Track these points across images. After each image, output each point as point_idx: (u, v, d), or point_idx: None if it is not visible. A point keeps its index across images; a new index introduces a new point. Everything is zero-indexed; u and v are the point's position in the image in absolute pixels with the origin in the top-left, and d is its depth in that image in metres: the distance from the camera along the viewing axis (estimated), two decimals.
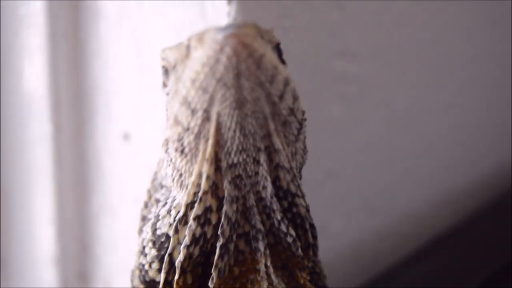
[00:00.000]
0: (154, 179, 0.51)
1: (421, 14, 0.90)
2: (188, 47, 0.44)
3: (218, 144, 0.43)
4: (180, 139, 0.44)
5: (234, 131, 0.42)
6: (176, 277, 0.44)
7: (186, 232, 0.44)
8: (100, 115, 0.76)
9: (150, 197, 0.51)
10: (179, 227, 0.45)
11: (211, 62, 0.41)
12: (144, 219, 0.51)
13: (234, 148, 0.43)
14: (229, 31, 0.41)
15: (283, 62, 0.48)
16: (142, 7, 0.72)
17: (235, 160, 0.43)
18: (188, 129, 0.43)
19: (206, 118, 0.42)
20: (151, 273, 0.47)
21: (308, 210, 0.48)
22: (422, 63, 0.90)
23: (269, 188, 0.44)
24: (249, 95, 0.41)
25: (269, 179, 0.44)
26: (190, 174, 0.44)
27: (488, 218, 1.02)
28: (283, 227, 0.45)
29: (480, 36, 1.01)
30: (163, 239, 0.46)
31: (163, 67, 0.47)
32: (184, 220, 0.45)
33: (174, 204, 0.46)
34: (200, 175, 0.44)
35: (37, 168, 0.76)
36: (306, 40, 0.74)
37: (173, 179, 0.46)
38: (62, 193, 0.76)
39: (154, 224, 0.47)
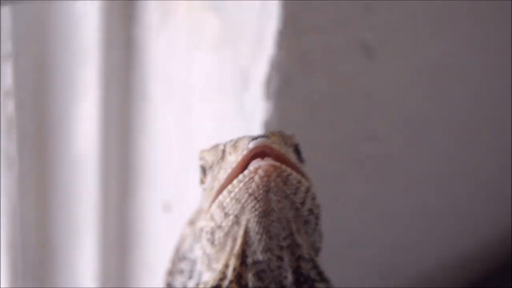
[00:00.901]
0: (178, 250, 0.57)
1: (446, 93, 0.96)
2: (223, 152, 0.51)
3: (246, 243, 0.49)
4: (212, 233, 0.50)
5: (261, 235, 0.48)
6: None
7: None
8: (144, 185, 0.83)
9: (174, 265, 0.57)
10: None
11: (246, 180, 0.47)
12: (169, 284, 0.57)
13: (260, 248, 0.49)
14: (261, 146, 0.47)
15: (301, 160, 0.54)
16: (185, 93, 0.79)
17: (260, 258, 0.49)
18: (220, 227, 0.49)
19: (236, 223, 0.48)
20: None
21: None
22: (447, 139, 0.97)
23: (290, 278, 0.50)
24: (276, 206, 0.48)
25: (289, 270, 0.50)
26: (217, 261, 0.51)
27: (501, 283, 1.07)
28: None
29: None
30: None
31: (201, 166, 0.54)
32: None
33: (202, 281, 0.52)
34: (227, 265, 0.50)
35: (83, 231, 0.84)
36: (334, 127, 0.81)
37: (202, 262, 0.52)
38: (106, 254, 0.83)
39: None
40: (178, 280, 0.55)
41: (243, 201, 0.48)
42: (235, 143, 0.50)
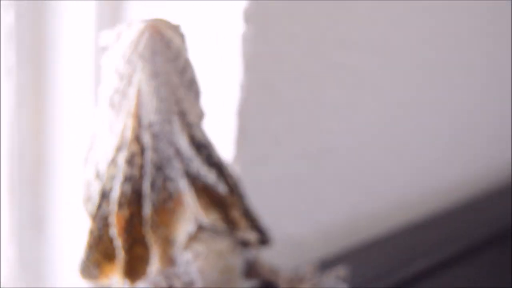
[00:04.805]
0: (93, 134, 0.61)
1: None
2: (120, 33, 0.58)
3: (140, 104, 0.56)
4: (111, 97, 0.57)
5: (152, 96, 0.55)
6: (116, 209, 0.56)
7: (121, 173, 0.56)
8: None
9: (91, 143, 0.61)
10: (110, 166, 0.58)
11: (135, 42, 0.55)
12: (86, 159, 0.62)
13: (153, 109, 0.56)
14: (149, 21, 0.55)
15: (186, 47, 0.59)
16: None
17: (153, 119, 0.56)
18: (117, 91, 0.57)
19: (130, 83, 0.55)
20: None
21: (220, 159, 0.61)
22: (416, 58, 1.00)
23: (183, 142, 0.58)
24: (161, 68, 0.55)
25: (182, 135, 0.58)
26: (117, 123, 0.57)
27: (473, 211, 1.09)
28: (202, 171, 0.59)
29: (478, 40, 1.10)
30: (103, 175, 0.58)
31: (103, 46, 0.60)
32: (112, 161, 0.57)
33: (107, 147, 0.58)
34: (125, 126, 0.56)
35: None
36: (310, 31, 0.86)
37: (103, 127, 0.58)
38: None
39: (96, 164, 0.59)
40: (92, 156, 0.60)
41: (134, 61, 0.55)
42: (129, 24, 0.57)
